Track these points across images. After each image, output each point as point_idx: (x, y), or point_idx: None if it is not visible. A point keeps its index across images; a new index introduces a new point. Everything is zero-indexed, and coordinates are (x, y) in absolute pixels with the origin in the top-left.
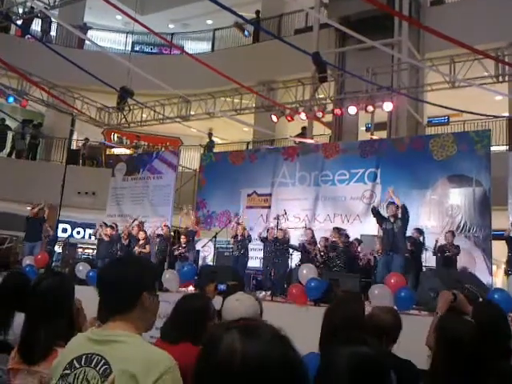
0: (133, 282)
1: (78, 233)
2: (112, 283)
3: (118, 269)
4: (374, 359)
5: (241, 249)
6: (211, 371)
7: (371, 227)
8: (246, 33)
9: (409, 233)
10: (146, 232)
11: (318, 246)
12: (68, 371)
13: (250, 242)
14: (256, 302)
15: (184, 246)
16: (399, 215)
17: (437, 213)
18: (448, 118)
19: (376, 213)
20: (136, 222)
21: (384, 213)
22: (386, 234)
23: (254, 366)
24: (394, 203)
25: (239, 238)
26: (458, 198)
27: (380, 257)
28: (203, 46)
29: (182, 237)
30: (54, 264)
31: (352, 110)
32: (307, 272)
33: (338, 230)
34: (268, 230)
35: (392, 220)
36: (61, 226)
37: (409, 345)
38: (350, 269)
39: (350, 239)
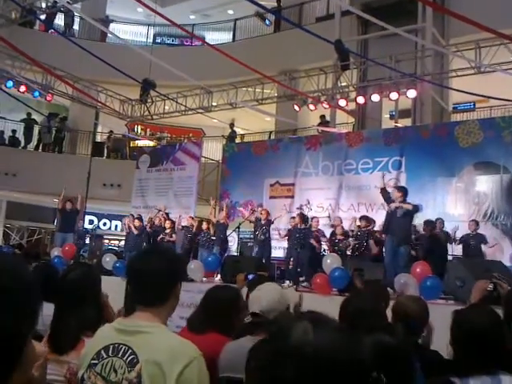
0: (169, 273)
1: (105, 224)
2: (147, 275)
3: (152, 260)
4: (397, 348)
5: (265, 233)
6: (280, 360)
7: None
8: (267, 22)
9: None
10: (173, 221)
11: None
12: (96, 361)
13: (271, 224)
14: (283, 292)
15: (207, 234)
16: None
17: (463, 201)
18: (474, 104)
19: (384, 192)
20: (161, 213)
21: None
22: (390, 215)
23: (325, 357)
24: (402, 187)
25: (262, 221)
26: (484, 185)
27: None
28: (224, 37)
29: (204, 224)
30: (81, 255)
31: (375, 97)
32: (331, 261)
33: (366, 218)
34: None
35: (397, 204)
36: (87, 217)
37: (435, 334)
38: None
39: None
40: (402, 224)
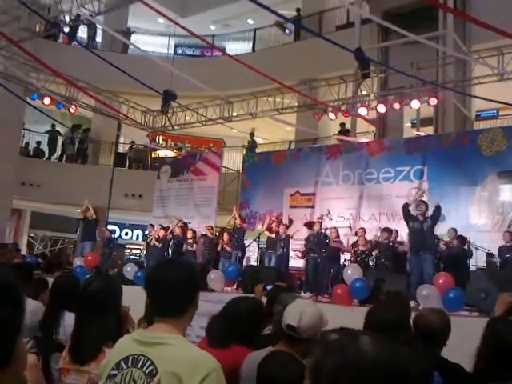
0: (189, 284)
1: (126, 234)
2: (167, 286)
3: (171, 271)
4: (415, 362)
5: (283, 247)
6: (339, 371)
7: None
8: (286, 31)
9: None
10: (194, 231)
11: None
12: (115, 371)
13: (290, 238)
14: (323, 314)
15: (226, 244)
16: (429, 214)
17: (487, 210)
18: (497, 112)
19: (405, 210)
20: (180, 224)
21: (413, 211)
22: (414, 233)
23: (383, 370)
24: (424, 202)
25: (282, 235)
26: (508, 194)
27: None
28: (244, 46)
29: (225, 235)
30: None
31: (396, 105)
32: (352, 272)
33: (387, 230)
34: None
35: (421, 219)
36: (109, 227)
37: (459, 347)
38: (396, 268)
39: (398, 238)
40: (427, 237)
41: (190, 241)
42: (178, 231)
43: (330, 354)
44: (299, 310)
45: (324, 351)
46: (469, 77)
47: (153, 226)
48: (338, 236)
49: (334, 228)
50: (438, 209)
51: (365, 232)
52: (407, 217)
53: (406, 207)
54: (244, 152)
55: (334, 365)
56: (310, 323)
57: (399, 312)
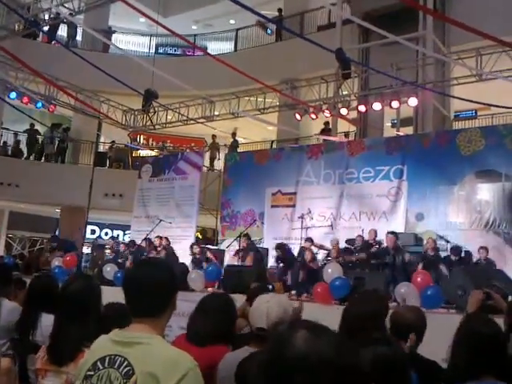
0: (167, 285)
1: (106, 234)
2: (145, 286)
3: (150, 271)
4: (394, 359)
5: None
6: (283, 369)
7: (397, 225)
8: (268, 31)
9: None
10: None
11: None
12: (92, 372)
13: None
14: (284, 305)
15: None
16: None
17: (465, 209)
18: (475, 112)
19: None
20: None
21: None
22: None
23: (328, 363)
24: (392, 234)
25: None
26: (486, 193)
27: None
28: (226, 46)
29: (209, 253)
30: (83, 265)
31: (377, 106)
32: (332, 271)
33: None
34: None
35: (392, 252)
36: (89, 227)
37: (436, 344)
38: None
39: (378, 238)
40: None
41: (159, 249)
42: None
43: (266, 349)
44: (264, 312)
45: (265, 347)
46: (448, 77)
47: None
48: (313, 258)
49: (310, 250)
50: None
51: (338, 243)
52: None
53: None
54: (226, 151)
55: (266, 359)
56: (276, 320)
57: (372, 308)
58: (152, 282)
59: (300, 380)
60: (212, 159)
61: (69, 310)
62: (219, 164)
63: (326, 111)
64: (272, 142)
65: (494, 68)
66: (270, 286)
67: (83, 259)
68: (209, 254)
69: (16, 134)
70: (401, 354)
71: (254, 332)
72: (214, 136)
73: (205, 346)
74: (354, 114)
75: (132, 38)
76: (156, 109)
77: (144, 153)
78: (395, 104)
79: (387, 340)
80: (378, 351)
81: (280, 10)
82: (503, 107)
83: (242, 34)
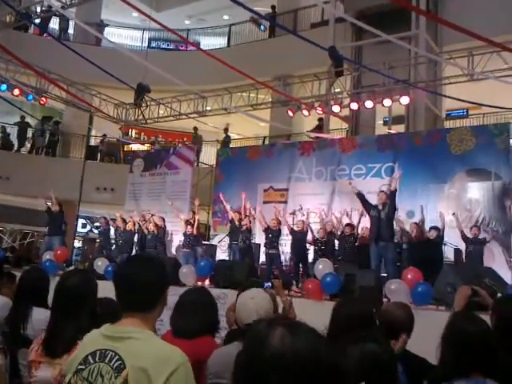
0: (159, 280)
1: (97, 228)
2: (137, 281)
3: (142, 266)
4: (383, 357)
5: (245, 240)
6: (259, 367)
7: None
8: (261, 27)
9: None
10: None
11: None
12: (83, 366)
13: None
14: (269, 299)
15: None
16: (388, 202)
17: (455, 207)
18: (467, 111)
19: (362, 199)
20: (151, 218)
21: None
22: (373, 223)
23: (304, 362)
24: (383, 191)
25: (242, 228)
26: (476, 192)
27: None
28: (220, 41)
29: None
30: (74, 259)
31: (369, 103)
32: (323, 267)
33: (350, 225)
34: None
35: (380, 207)
36: (80, 221)
37: (425, 341)
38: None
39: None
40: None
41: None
42: (151, 227)
43: (244, 348)
44: (252, 308)
45: (243, 346)
46: (440, 77)
47: (105, 218)
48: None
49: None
50: (392, 195)
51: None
52: (367, 205)
53: (360, 195)
54: (218, 147)
55: (244, 358)
56: (265, 316)
57: (366, 307)
58: (143, 277)
59: (276, 379)
60: (196, 151)
61: (66, 304)
62: (208, 158)
63: (319, 108)
64: (264, 138)
65: (485, 68)
66: (270, 284)
67: (74, 253)
68: None
69: (3, 126)
70: (389, 352)
71: (242, 328)
72: (195, 128)
73: (191, 339)
74: (346, 112)
75: (125, 32)
76: (148, 103)
77: (136, 147)
78: (387, 102)
79: (375, 338)
80: (366, 349)
81: (273, 7)
82: (494, 107)
83: (236, 30)
